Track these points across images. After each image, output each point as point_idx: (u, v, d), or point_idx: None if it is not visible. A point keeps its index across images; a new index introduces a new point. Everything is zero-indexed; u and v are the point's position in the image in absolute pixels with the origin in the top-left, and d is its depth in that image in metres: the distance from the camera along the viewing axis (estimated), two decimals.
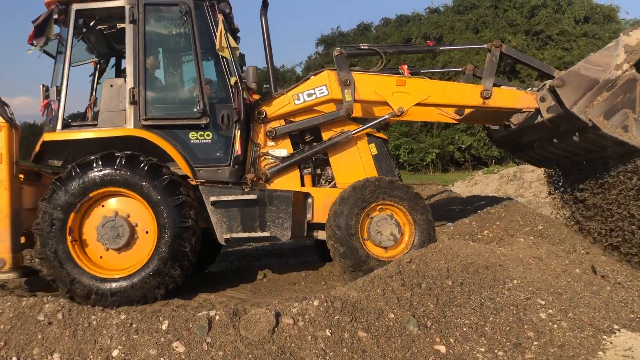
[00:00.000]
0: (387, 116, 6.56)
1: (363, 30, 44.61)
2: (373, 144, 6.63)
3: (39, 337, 4.04)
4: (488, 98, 6.46)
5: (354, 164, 6.51)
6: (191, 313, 4.19)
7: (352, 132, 6.45)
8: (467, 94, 6.62)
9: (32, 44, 5.97)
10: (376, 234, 6.04)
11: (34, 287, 6.26)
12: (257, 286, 6.36)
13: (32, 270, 6.09)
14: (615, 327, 4.73)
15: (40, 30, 5.89)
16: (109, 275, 5.52)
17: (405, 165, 34.92)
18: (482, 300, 4.74)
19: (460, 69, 7.70)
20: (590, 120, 5.91)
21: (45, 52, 6.18)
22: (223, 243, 6.14)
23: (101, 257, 5.68)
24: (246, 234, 6.09)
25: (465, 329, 4.39)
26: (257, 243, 8.78)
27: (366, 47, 6.97)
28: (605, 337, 4.55)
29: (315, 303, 4.23)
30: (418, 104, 6.53)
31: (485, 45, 6.78)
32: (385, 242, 6.03)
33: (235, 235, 6.04)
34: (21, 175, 5.96)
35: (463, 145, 33.53)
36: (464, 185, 22.99)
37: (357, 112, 6.87)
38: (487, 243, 6.57)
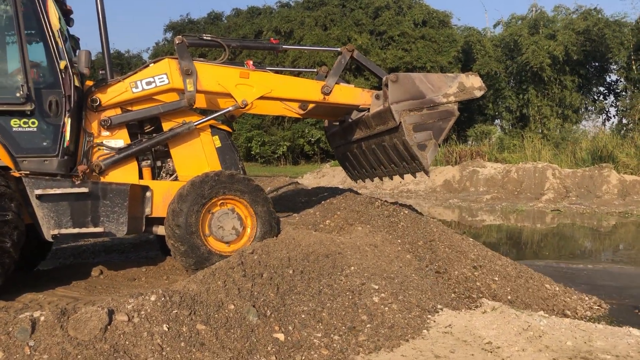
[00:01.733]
0: (230, 108, 6.53)
1: (214, 19, 43.94)
2: (217, 136, 6.56)
3: None
4: (328, 94, 6.72)
5: (197, 156, 6.40)
6: (12, 315, 3.83)
7: (195, 123, 6.32)
8: (308, 89, 6.83)
9: None
10: (218, 230, 6.00)
11: None
12: (93, 284, 5.99)
13: None
14: (439, 306, 5.19)
15: None
16: None
17: (257, 157, 35.17)
18: (321, 287, 4.93)
19: (315, 70, 7.97)
20: (400, 122, 6.41)
21: None
22: (50, 240, 5.69)
23: None
24: (76, 230, 5.70)
25: (303, 316, 4.53)
26: (95, 239, 8.27)
27: (209, 38, 6.87)
28: (429, 316, 4.97)
29: (153, 298, 4.09)
30: (262, 97, 6.59)
31: (326, 49, 7.08)
32: (227, 236, 6.01)
33: (64, 231, 5.63)
34: None
35: (312, 139, 34.59)
36: (312, 177, 23.77)
37: (201, 103, 6.75)
38: (329, 232, 6.84)
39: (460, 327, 4.75)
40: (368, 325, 4.62)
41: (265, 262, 5.08)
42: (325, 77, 7.10)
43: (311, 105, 7.41)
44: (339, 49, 7.21)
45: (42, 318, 3.82)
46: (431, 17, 37.66)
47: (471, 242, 7.19)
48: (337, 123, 7.85)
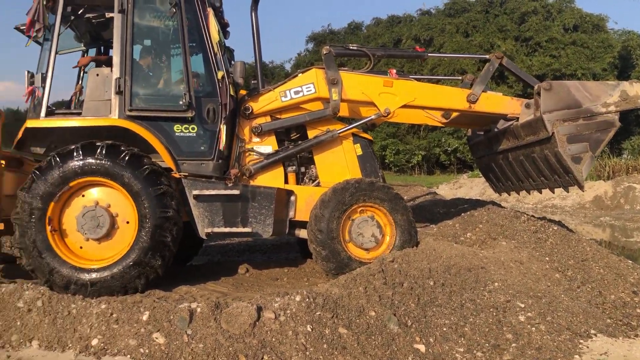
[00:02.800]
0: (373, 117, 6.60)
1: (354, 29, 44.71)
2: (358, 144, 6.65)
3: (18, 323, 4.02)
4: (474, 102, 6.54)
5: (339, 164, 6.53)
6: (172, 305, 4.18)
7: (338, 132, 6.47)
8: (453, 97, 6.69)
9: (29, 36, 5.92)
10: (358, 236, 6.07)
11: (13, 274, 6.19)
12: (239, 280, 6.35)
13: (10, 257, 6.04)
14: (592, 331, 4.81)
15: (34, 19, 5.82)
16: (88, 266, 5.46)
17: (391, 166, 35.10)
18: (463, 302, 4.79)
19: (454, 77, 7.80)
20: (553, 133, 6.01)
21: (34, 40, 6.11)
22: (204, 237, 6.12)
23: (81, 247, 5.62)
24: (227, 229, 6.08)
25: (445, 329, 4.43)
26: (239, 238, 8.76)
27: (355, 48, 6.99)
28: (582, 341, 4.62)
29: (297, 298, 4.24)
30: (404, 106, 6.58)
31: (473, 56, 6.89)
32: (366, 243, 6.07)
33: (216, 229, 6.03)
34: (2, 162, 5.91)
35: (449, 148, 33.81)
36: (449, 188, 23.19)
37: (344, 111, 6.89)
38: (470, 245, 6.63)
39: (618, 356, 4.36)
40: (513, 345, 4.40)
41: (406, 272, 5.04)
42: (471, 85, 6.91)
43: (455, 114, 7.24)
44: (486, 56, 7.00)
45: (199, 310, 4.12)
46: (584, 22, 35.19)
47: (630, 264, 6.56)
48: (482, 132, 7.60)
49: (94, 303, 4.23)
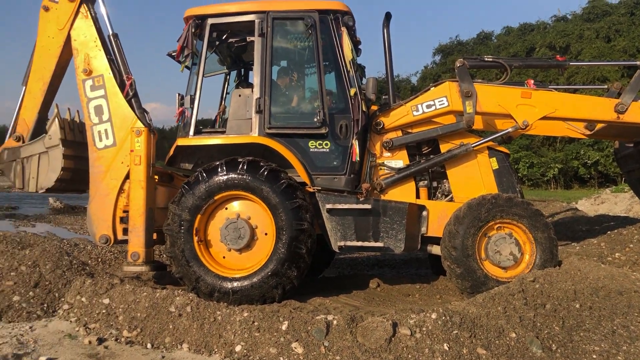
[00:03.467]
0: (510, 129, 6.35)
1: (483, 39, 43.37)
2: (494, 158, 6.43)
3: (171, 327, 4.35)
4: (623, 113, 6.07)
5: (473, 178, 6.35)
6: (309, 316, 4.30)
7: (472, 145, 6.30)
8: (599, 107, 6.26)
9: (179, 61, 6.47)
10: (494, 254, 5.85)
11: (162, 280, 6.73)
12: (371, 295, 6.38)
13: (161, 264, 6.57)
14: None
15: (184, 46, 6.36)
16: (230, 275, 5.80)
17: (525, 180, 33.39)
18: (614, 328, 4.42)
19: (603, 87, 7.30)
20: None
21: (184, 65, 6.64)
22: (337, 250, 6.24)
23: (224, 257, 5.98)
24: (359, 243, 6.15)
25: (594, 356, 4.10)
26: (369, 252, 8.81)
27: (490, 59, 6.78)
28: None
29: (433, 316, 4.18)
30: (544, 118, 6.26)
31: (617, 62, 6.40)
32: (504, 262, 5.82)
33: (349, 243, 6.12)
34: (156, 177, 6.47)
35: (589, 161, 31.47)
36: (589, 204, 21.51)
37: (478, 124, 6.70)
38: (619, 267, 6.11)
39: None
40: None
41: (548, 293, 4.76)
42: (618, 94, 6.41)
43: (600, 125, 6.76)
44: (637, 63, 6.46)
45: (335, 322, 4.20)
46: None
47: None
48: (632, 144, 7.00)
49: (237, 311, 4.47)
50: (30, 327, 4.58)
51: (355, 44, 6.80)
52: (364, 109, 6.25)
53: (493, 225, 5.90)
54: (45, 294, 5.09)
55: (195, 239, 5.89)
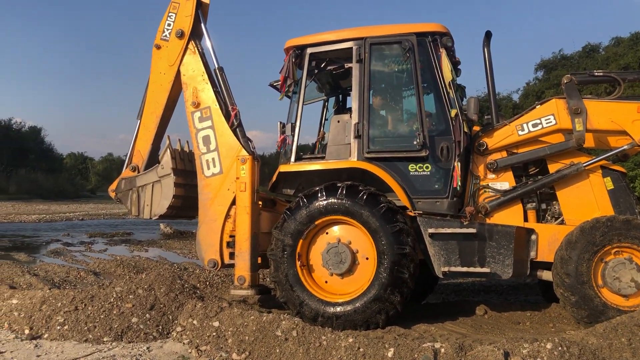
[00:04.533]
0: (625, 147, 5.95)
1: (589, 52, 41.04)
2: (608, 178, 6.03)
3: (277, 351, 4.42)
4: None
5: (586, 200, 5.99)
6: (416, 343, 4.20)
7: (584, 164, 5.95)
8: None
9: (280, 91, 6.69)
10: (613, 281, 5.44)
11: (267, 304, 6.87)
12: (478, 322, 6.14)
13: (266, 288, 6.72)
14: None
15: (286, 76, 6.57)
16: (333, 299, 5.82)
17: None
18: None
19: None
20: None
21: (286, 94, 6.83)
22: (440, 276, 6.07)
23: (326, 282, 6.02)
24: (464, 269, 5.95)
25: None
26: (474, 278, 8.52)
27: (601, 74, 6.41)
28: None
29: (549, 346, 3.93)
30: None
31: None
32: (625, 289, 5.40)
33: (453, 269, 5.94)
34: (260, 202, 6.66)
35: None
36: None
37: (590, 142, 6.30)
38: None
39: None
40: None
41: None
42: None
43: None
44: None
45: (442, 350, 4.07)
46: None
47: None
48: None
49: (342, 336, 4.46)
50: (148, 348, 4.83)
51: (455, 64, 6.70)
52: (465, 130, 6.11)
53: (610, 249, 5.50)
54: (160, 316, 5.36)
55: (298, 263, 5.98)
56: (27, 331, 5.26)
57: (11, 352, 4.75)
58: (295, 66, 6.62)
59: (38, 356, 4.63)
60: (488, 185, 6.18)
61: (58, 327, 5.18)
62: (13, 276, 8.15)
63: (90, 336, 5.04)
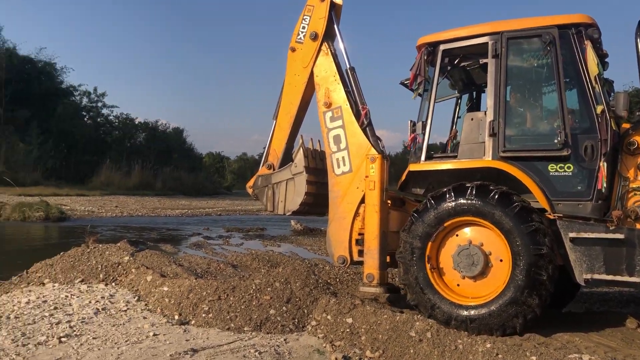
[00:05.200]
0: None
1: None
2: None
3: (411, 351, 4.42)
4: None
5: None
6: (560, 353, 4.00)
7: None
8: None
9: (412, 89, 6.67)
10: None
11: (397, 304, 6.87)
12: (629, 336, 5.64)
13: (394, 287, 6.72)
14: None
15: (417, 73, 6.53)
16: (466, 303, 5.67)
17: None
18: None
19: None
20: None
21: (412, 91, 6.80)
22: (582, 284, 5.67)
23: (458, 285, 5.88)
24: (609, 277, 5.50)
25: None
26: (622, 287, 7.85)
27: None
28: None
29: None
30: None
31: None
32: None
33: (596, 276, 5.52)
34: (389, 201, 6.68)
35: None
36: None
37: None
38: None
39: None
40: None
41: None
42: None
43: None
44: None
45: None
46: None
47: None
48: None
49: (479, 341, 4.36)
50: (285, 340, 5.06)
51: (602, 57, 6.23)
52: (613, 127, 5.67)
53: None
54: (295, 309, 5.59)
55: (428, 266, 5.89)
56: (176, 317, 5.75)
57: (164, 335, 5.23)
58: (426, 63, 6.55)
59: (187, 340, 5.05)
60: (639, 187, 5.68)
61: (203, 315, 5.61)
62: (161, 265, 8.89)
63: (232, 325, 5.40)
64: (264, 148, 7.90)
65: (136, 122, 56.99)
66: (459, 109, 7.53)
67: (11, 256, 12.09)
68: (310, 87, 7.37)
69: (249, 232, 17.68)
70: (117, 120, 55.33)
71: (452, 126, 7.43)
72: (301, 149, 7.33)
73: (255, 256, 10.82)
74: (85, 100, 52.25)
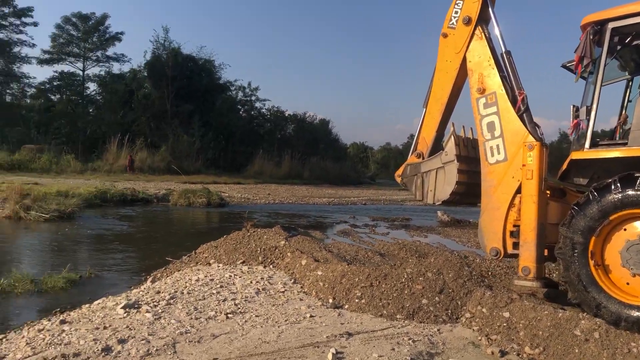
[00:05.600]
0: None
1: None
2: None
3: (576, 351, 4.16)
4: None
5: None
6: None
7: None
8: None
9: (575, 72, 6.23)
10: None
11: (557, 300, 6.48)
12: None
13: (552, 282, 6.35)
14: None
15: (582, 55, 6.08)
16: (638, 302, 5.20)
17: None
18: None
19: None
20: None
21: (581, 75, 6.33)
22: None
23: (628, 283, 5.40)
24: None
25: None
26: None
27: None
28: None
29: None
30: None
31: None
32: None
33: None
34: (547, 192, 6.31)
35: None
36: None
37: None
38: None
39: None
40: None
41: None
42: None
43: None
44: None
45: None
46: None
47: None
48: None
49: None
50: (438, 330, 5.03)
51: None
52: None
53: None
54: (448, 300, 5.52)
55: (592, 263, 5.48)
56: (330, 300, 5.97)
57: (320, 317, 5.46)
58: (593, 44, 6.05)
59: (342, 324, 5.22)
60: None
61: (356, 300, 5.76)
62: (312, 251, 9.25)
63: (385, 312, 5.48)
64: (409, 138, 7.88)
65: (286, 115, 59.65)
66: (630, 92, 6.86)
67: (179, 237, 13.36)
68: (462, 73, 7.19)
69: (394, 222, 17.73)
70: (268, 113, 58.34)
71: (621, 111, 6.80)
72: (452, 136, 7.18)
73: (402, 246, 10.83)
74: (240, 94, 55.72)
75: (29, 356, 4.35)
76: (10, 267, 8.16)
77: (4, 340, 4.93)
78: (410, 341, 4.64)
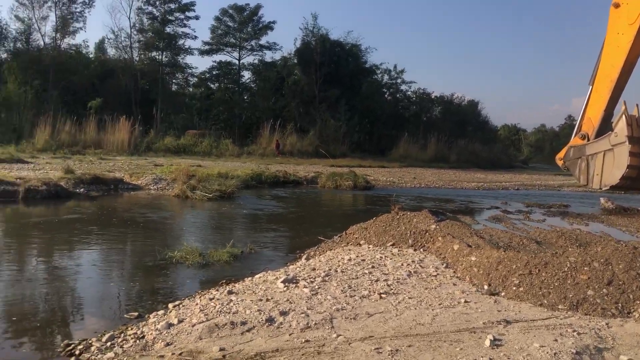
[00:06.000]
0: None
1: None
2: None
3: None
4: None
5: None
6: None
7: None
8: None
9: None
10: None
11: None
12: None
13: None
14: None
15: None
16: None
17: None
18: None
19: None
20: None
21: None
22: None
23: None
24: None
25: None
26: None
27: None
28: None
29: None
30: None
31: None
32: None
33: None
34: None
35: None
36: None
37: None
38: None
39: None
40: None
41: None
42: None
43: None
44: None
45: None
46: None
47: None
48: None
49: None
50: (607, 324, 4.67)
51: None
52: None
53: None
54: (619, 293, 5.09)
55: None
56: (486, 286, 5.80)
57: (475, 303, 5.34)
58: None
59: (499, 311, 5.06)
60: None
61: (514, 288, 5.53)
62: (462, 236, 9.02)
63: (545, 301, 5.20)
64: (567, 119, 7.35)
65: (432, 97, 58.40)
66: None
67: (329, 218, 13.79)
68: (636, 47, 6.54)
69: (550, 208, 16.60)
70: (414, 96, 57.52)
71: None
72: (623, 116, 6.59)
73: (561, 234, 10.16)
74: (386, 77, 55.55)
75: (203, 321, 4.81)
76: (182, 241, 9.03)
77: (180, 306, 5.50)
78: (575, 333, 4.36)
